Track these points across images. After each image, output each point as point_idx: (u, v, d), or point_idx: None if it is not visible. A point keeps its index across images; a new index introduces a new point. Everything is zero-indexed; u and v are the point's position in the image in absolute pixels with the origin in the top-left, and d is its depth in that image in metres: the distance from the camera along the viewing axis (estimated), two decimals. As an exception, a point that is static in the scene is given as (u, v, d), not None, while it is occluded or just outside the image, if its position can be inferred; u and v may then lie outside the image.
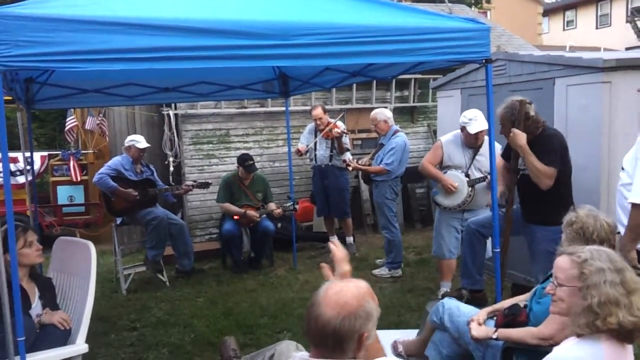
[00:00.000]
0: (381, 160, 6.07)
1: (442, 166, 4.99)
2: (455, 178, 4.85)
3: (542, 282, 3.12)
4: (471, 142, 4.88)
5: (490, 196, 4.18)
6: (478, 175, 4.85)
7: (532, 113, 3.91)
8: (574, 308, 1.99)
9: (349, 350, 1.70)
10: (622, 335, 1.89)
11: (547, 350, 2.08)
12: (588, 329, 1.91)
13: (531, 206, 4.07)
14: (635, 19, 20.37)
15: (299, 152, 6.79)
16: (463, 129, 4.83)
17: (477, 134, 4.75)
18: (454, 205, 4.88)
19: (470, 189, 4.82)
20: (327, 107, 7.60)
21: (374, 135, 7.37)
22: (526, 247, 4.24)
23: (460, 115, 5.70)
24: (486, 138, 4.90)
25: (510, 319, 2.98)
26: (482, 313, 3.18)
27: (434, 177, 5.04)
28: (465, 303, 4.35)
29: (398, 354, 3.57)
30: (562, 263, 2.12)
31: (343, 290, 1.73)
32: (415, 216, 8.53)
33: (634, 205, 2.94)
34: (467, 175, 4.86)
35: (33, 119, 7.57)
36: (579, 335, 1.94)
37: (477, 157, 4.89)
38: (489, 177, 4.71)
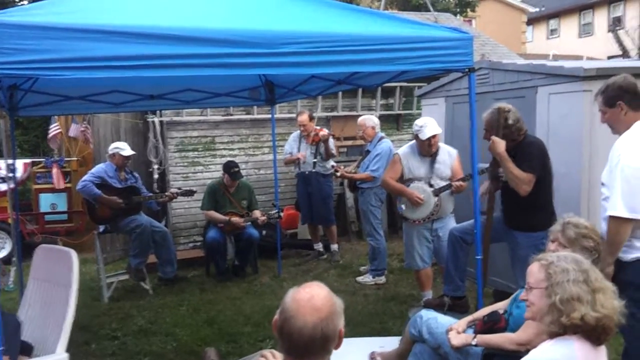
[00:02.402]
0: (367, 167, 6.10)
1: (404, 179, 4.90)
2: (420, 190, 4.78)
3: (523, 287, 3.15)
4: (425, 150, 4.83)
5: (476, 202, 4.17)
6: (441, 183, 4.82)
7: (510, 121, 3.94)
8: (542, 309, 2.06)
9: (332, 350, 1.77)
10: (590, 334, 1.94)
11: (525, 355, 2.12)
12: (554, 326, 1.98)
13: (513, 212, 4.11)
14: (617, 28, 20.71)
15: (295, 159, 6.90)
16: (416, 137, 4.82)
17: (429, 139, 4.74)
18: (423, 217, 4.82)
19: (436, 198, 4.78)
20: (313, 114, 7.63)
21: (359, 142, 7.40)
22: (508, 253, 4.27)
23: (444, 123, 5.76)
24: (442, 145, 4.95)
25: (489, 325, 3.01)
26: (462, 323, 3.20)
27: (397, 192, 4.95)
28: (448, 309, 4.40)
29: None
30: (532, 268, 2.20)
31: (313, 295, 1.76)
32: (399, 223, 8.50)
33: (611, 218, 2.89)
34: (431, 185, 4.81)
35: (16, 126, 7.51)
36: (551, 337, 2.00)
37: (435, 165, 4.86)
38: (454, 184, 4.74)
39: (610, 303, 1.97)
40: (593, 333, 1.94)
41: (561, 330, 1.96)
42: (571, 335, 1.96)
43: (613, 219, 2.88)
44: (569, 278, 2.00)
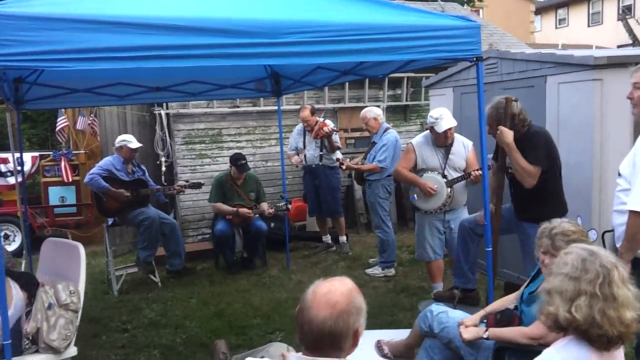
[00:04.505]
0: (374, 158, 6.07)
1: (417, 169, 4.87)
2: (433, 180, 4.75)
3: (527, 285, 3.10)
4: (441, 141, 4.80)
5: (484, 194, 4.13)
6: (454, 174, 4.78)
7: (516, 111, 3.89)
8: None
9: (346, 348, 1.73)
10: (588, 337, 1.82)
11: (538, 349, 2.08)
12: (541, 314, 1.93)
13: (523, 204, 4.06)
14: (627, 17, 20.44)
15: (297, 162, 6.93)
16: (431, 129, 4.77)
17: (445, 132, 4.69)
18: (435, 207, 4.78)
19: (449, 189, 4.74)
20: (320, 105, 7.58)
21: (366, 134, 7.35)
22: (518, 245, 4.23)
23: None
24: (456, 136, 4.89)
25: (502, 325, 2.97)
26: (475, 317, 3.16)
27: (410, 181, 4.92)
28: (458, 302, 4.38)
29: (384, 355, 3.54)
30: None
31: (331, 290, 1.74)
32: (408, 215, 8.50)
33: (633, 213, 2.73)
34: (444, 176, 4.77)
35: (25, 119, 7.53)
36: (550, 329, 1.94)
37: (449, 156, 4.82)
38: (472, 174, 4.67)
39: (603, 312, 1.78)
40: (589, 337, 1.81)
41: (548, 322, 1.90)
42: (580, 335, 1.84)
43: (635, 215, 2.73)
44: (561, 271, 1.89)
